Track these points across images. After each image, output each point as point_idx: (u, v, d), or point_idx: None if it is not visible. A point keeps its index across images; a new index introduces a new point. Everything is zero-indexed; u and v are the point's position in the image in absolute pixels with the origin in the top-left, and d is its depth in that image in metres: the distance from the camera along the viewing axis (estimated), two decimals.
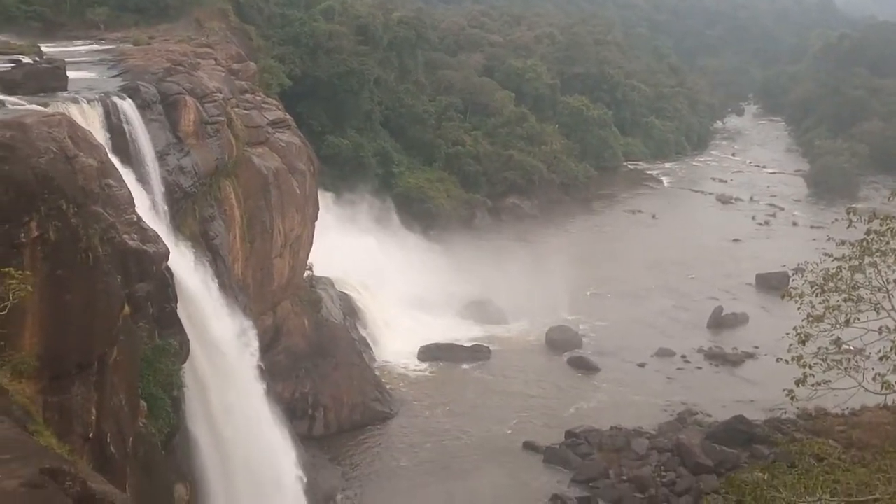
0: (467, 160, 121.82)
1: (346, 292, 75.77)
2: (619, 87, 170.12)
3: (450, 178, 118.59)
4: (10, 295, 22.00)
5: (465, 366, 73.63)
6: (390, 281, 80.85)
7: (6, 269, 22.49)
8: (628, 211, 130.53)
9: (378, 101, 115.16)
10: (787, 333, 24.76)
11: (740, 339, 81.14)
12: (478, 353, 75.18)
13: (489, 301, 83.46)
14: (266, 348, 57.06)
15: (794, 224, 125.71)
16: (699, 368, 75.31)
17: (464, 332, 78.63)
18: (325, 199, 76.07)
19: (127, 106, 40.21)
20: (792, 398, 24.72)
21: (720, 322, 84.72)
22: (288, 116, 67.98)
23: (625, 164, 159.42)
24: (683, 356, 76.68)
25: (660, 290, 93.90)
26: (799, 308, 24.87)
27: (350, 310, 74.59)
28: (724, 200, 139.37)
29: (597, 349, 77.87)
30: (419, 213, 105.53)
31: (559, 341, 78.25)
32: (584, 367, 74.33)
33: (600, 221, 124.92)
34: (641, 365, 74.89)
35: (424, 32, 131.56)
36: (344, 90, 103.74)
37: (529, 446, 60.48)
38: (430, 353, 74.44)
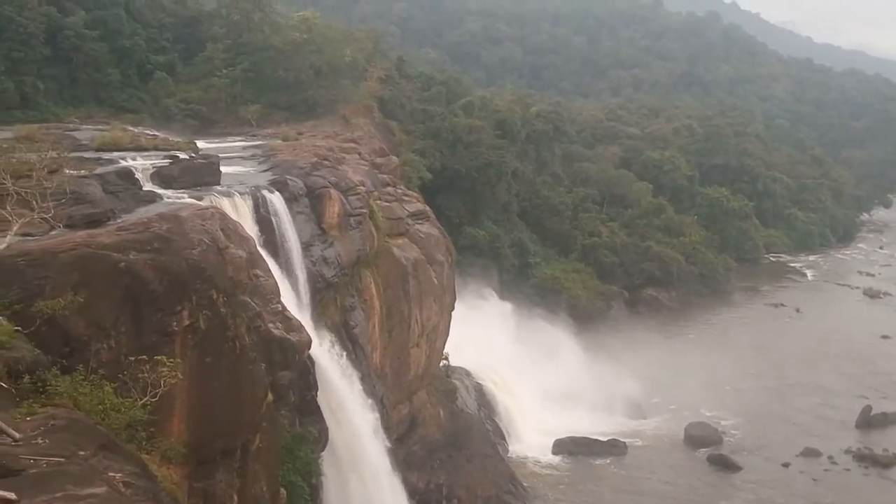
0: (604, 251, 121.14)
1: (481, 382, 75.69)
2: (760, 178, 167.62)
3: (586, 269, 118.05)
4: (162, 382, 22.93)
5: (600, 461, 72.09)
6: (526, 372, 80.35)
7: (159, 357, 23.49)
8: (770, 304, 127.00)
9: (515, 192, 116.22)
10: None
11: (892, 440, 76.98)
12: (614, 447, 73.60)
13: (626, 394, 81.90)
14: (402, 438, 57.37)
15: None
16: (847, 470, 71.65)
17: (600, 426, 77.13)
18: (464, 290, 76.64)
19: (275, 199, 41.72)
20: None
21: (869, 421, 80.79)
22: (427, 208, 69.18)
23: (766, 256, 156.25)
24: (830, 457, 73.22)
25: (804, 386, 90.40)
26: None
27: (484, 400, 74.39)
28: (872, 295, 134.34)
29: (738, 447, 75.22)
30: (555, 304, 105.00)
31: (698, 437, 76.00)
32: (724, 465, 71.77)
33: (741, 314, 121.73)
34: (785, 465, 71.87)
35: (562, 125, 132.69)
36: (482, 182, 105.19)
37: None
38: (565, 446, 73.30)
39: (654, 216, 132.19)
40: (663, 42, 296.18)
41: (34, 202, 26.29)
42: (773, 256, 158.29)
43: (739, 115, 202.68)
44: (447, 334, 66.95)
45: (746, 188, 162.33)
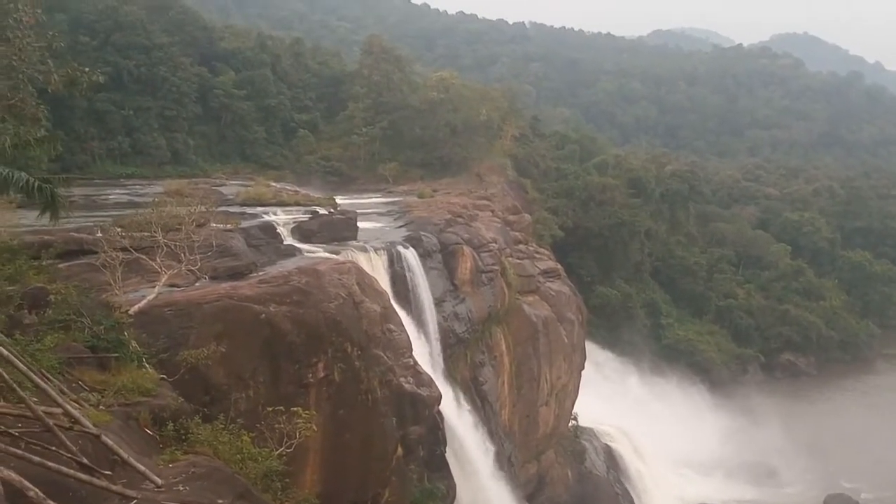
0: (739, 314, 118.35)
1: (611, 444, 74.38)
2: None
3: (720, 331, 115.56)
4: (297, 433, 23.32)
5: None
6: (658, 435, 78.62)
7: (295, 408, 23.93)
8: None
9: (648, 252, 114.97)
10: None
11: None
12: None
13: (761, 461, 79.24)
14: (529, 498, 56.80)
15: None
16: None
17: (734, 493, 74.75)
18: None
19: (409, 255, 42.42)
20: None
21: None
22: (559, 266, 69.10)
23: None
24: None
25: None
26: None
27: (614, 463, 72.97)
28: None
29: None
30: (688, 366, 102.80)
31: None
32: None
33: (884, 383, 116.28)
34: None
35: (697, 185, 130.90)
36: (614, 241, 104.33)
37: None
38: None
39: (792, 279, 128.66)
40: (803, 102, 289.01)
41: (182, 254, 27.29)
42: None
43: (884, 177, 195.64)
44: (576, 394, 66.38)
45: (891, 252, 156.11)
